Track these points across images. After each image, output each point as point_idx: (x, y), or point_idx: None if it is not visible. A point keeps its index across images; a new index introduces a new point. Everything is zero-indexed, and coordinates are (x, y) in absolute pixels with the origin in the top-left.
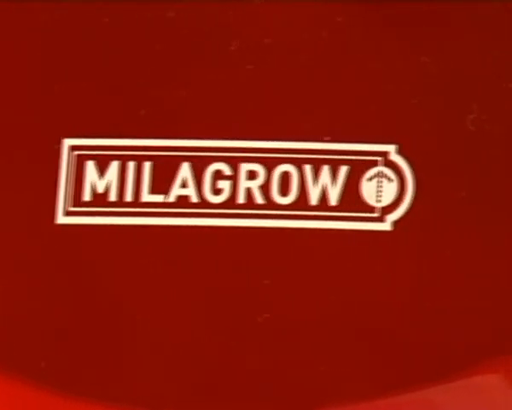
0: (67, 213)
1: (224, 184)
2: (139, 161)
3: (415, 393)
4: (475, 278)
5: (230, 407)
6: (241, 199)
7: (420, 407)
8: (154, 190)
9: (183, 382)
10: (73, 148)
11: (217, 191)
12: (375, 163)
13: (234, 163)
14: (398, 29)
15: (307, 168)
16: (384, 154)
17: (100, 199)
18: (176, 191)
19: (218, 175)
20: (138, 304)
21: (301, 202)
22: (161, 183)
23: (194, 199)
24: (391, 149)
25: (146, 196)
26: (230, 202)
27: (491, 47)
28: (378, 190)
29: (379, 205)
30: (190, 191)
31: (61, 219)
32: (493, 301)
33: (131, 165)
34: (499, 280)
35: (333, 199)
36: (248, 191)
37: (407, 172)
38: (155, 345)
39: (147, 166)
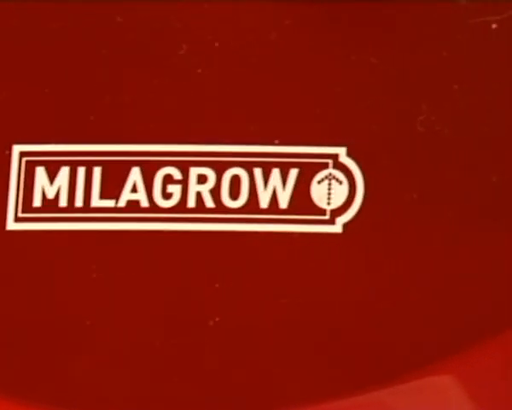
0: (18, 220)
1: (174, 189)
2: (89, 166)
3: (365, 395)
4: (425, 278)
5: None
6: (191, 203)
7: (371, 408)
8: (104, 195)
9: (134, 386)
10: (23, 154)
11: (167, 196)
12: (325, 166)
13: (184, 167)
14: (346, 30)
15: (257, 172)
16: (334, 156)
17: (50, 205)
18: (126, 196)
19: (168, 179)
20: (89, 309)
21: (251, 205)
22: (111, 188)
23: (145, 204)
24: (341, 151)
25: (96, 202)
26: (181, 207)
27: (439, 48)
28: (328, 192)
29: (329, 207)
30: (140, 196)
31: (11, 225)
32: (442, 301)
33: (81, 170)
34: (448, 280)
35: (283, 202)
36: (198, 195)
37: (357, 174)
38: (105, 350)
39: (97, 171)
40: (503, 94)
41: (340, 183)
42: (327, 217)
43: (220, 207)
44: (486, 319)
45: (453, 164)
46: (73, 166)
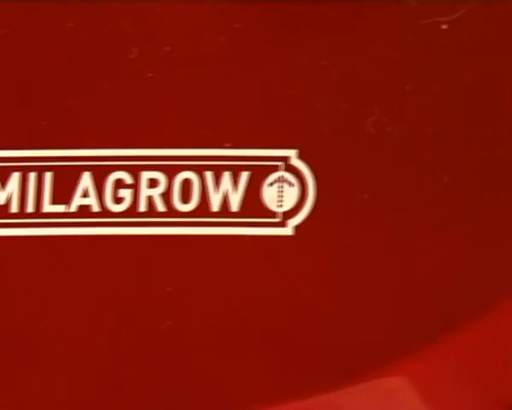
0: None
1: (125, 193)
2: (40, 171)
3: (321, 397)
4: (376, 279)
5: None
6: (142, 207)
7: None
8: (55, 200)
9: (85, 391)
10: None
11: (118, 200)
12: (276, 168)
13: (135, 172)
14: (296, 33)
15: (208, 175)
16: (285, 159)
17: (1, 211)
18: (77, 201)
19: (119, 184)
20: (41, 314)
21: (202, 208)
22: (62, 193)
23: (96, 208)
24: (291, 153)
25: (47, 207)
26: (132, 211)
27: (389, 49)
28: (279, 195)
29: (280, 210)
30: (91, 201)
31: None
32: (396, 303)
33: (32, 176)
34: (400, 281)
35: (234, 205)
36: (150, 199)
37: (308, 176)
38: (57, 354)
39: (48, 176)
40: (453, 94)
41: (292, 185)
42: (278, 219)
43: (171, 211)
44: (437, 320)
45: (404, 165)
46: (24, 172)
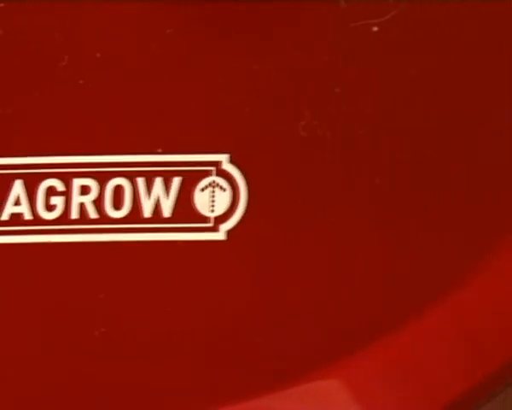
0: None
1: (57, 200)
2: None
3: (255, 400)
4: (309, 282)
5: None
6: (74, 214)
7: None
8: None
9: (18, 397)
10: None
11: (50, 208)
12: (207, 173)
13: (66, 179)
14: (227, 37)
15: (140, 181)
16: (216, 163)
17: None
18: (9, 209)
19: (51, 191)
20: None
21: (134, 215)
22: None
23: (28, 216)
24: (223, 158)
25: None
26: (64, 218)
27: (320, 52)
28: (211, 200)
29: (212, 215)
30: (23, 209)
31: None
32: (328, 305)
33: None
34: (333, 284)
35: (166, 211)
36: (81, 206)
37: (240, 180)
38: None
39: None
40: (384, 96)
41: (224, 190)
42: (210, 224)
43: (103, 218)
44: (368, 322)
45: (336, 167)
46: None
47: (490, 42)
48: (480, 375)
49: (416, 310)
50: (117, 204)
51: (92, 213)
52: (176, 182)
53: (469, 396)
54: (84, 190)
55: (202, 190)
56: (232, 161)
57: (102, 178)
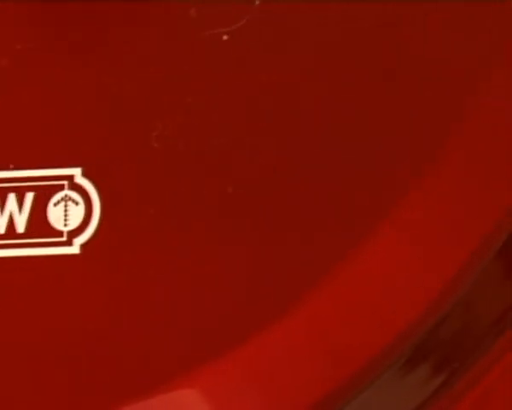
0: None
1: None
2: None
3: None
4: (165, 293)
5: None
6: None
7: None
8: None
9: None
10: None
11: None
12: (61, 187)
13: None
14: (78, 51)
15: None
16: (69, 177)
17: None
18: None
19: None
20: None
21: None
22: None
23: None
24: (76, 172)
25: None
26: None
27: (168, 63)
28: (65, 214)
29: (66, 229)
30: None
31: None
32: (183, 316)
33: None
34: (188, 295)
35: (20, 226)
36: None
37: (93, 194)
38: None
39: None
40: (235, 105)
41: (77, 204)
42: (64, 239)
43: None
44: (225, 332)
45: (189, 177)
46: None
47: (341, 44)
48: (339, 377)
49: (272, 315)
50: None
51: None
52: (29, 197)
53: (327, 400)
54: None
55: (55, 204)
56: (85, 175)
57: None
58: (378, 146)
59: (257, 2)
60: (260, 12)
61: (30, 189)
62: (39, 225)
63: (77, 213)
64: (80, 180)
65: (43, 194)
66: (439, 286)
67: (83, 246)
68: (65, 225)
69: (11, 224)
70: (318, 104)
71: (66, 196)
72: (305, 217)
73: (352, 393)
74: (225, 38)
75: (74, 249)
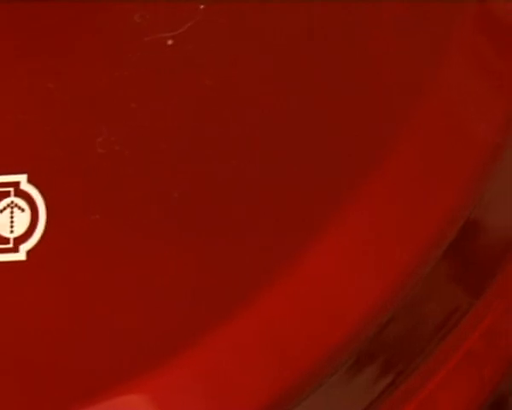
0: None
1: None
2: None
3: None
4: (111, 298)
5: None
6: None
7: None
8: None
9: None
10: None
11: None
12: (6, 194)
13: None
14: (21, 55)
15: None
16: (15, 184)
17: None
18: None
19: None
20: None
21: None
22: None
23: None
24: (22, 178)
25: None
26: None
27: (112, 68)
28: (11, 220)
29: (12, 236)
30: None
31: None
32: (129, 321)
33: None
34: (134, 301)
35: None
36: None
37: (39, 200)
38: None
39: None
40: (179, 110)
41: (23, 210)
42: (10, 245)
43: None
44: (174, 335)
45: (134, 183)
46: None
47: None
48: (286, 379)
49: (219, 317)
50: None
51: None
52: None
53: (275, 402)
54: None
55: (1, 211)
56: (30, 181)
57: None
58: (324, 147)
59: (201, 7)
60: (205, 16)
61: None
62: None
63: (23, 220)
64: (26, 187)
65: None
66: (384, 289)
67: (29, 252)
68: (11, 231)
69: None
70: (263, 105)
71: (12, 202)
72: (253, 218)
73: (298, 395)
74: (170, 42)
75: (20, 256)
